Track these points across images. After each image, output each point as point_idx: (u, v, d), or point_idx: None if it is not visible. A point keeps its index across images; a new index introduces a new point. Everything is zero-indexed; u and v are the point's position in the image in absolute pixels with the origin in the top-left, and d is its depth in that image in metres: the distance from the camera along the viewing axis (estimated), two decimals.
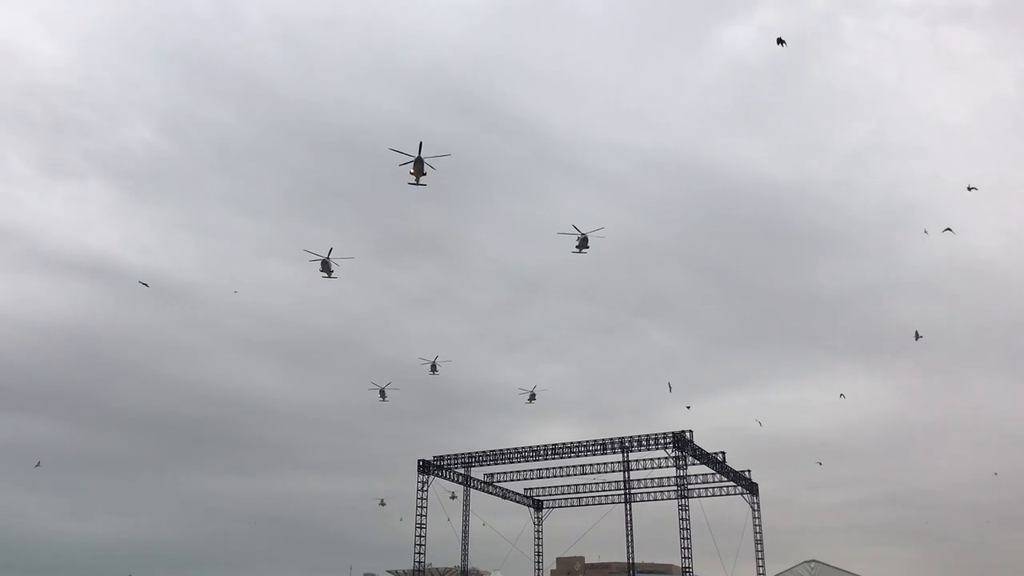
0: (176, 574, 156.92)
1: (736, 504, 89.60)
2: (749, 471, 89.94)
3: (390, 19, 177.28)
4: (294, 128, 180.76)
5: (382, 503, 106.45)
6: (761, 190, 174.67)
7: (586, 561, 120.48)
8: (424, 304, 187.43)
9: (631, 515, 79.45)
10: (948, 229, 70.10)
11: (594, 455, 79.87)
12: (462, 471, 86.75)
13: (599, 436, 77.59)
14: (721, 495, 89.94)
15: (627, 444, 75.64)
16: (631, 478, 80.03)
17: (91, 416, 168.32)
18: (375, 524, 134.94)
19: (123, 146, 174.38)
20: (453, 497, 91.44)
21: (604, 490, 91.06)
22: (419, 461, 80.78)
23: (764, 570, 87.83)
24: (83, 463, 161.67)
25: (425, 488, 79.19)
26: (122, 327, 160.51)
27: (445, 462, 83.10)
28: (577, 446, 78.58)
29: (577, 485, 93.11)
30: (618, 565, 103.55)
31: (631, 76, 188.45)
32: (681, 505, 70.87)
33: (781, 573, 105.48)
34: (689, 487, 74.73)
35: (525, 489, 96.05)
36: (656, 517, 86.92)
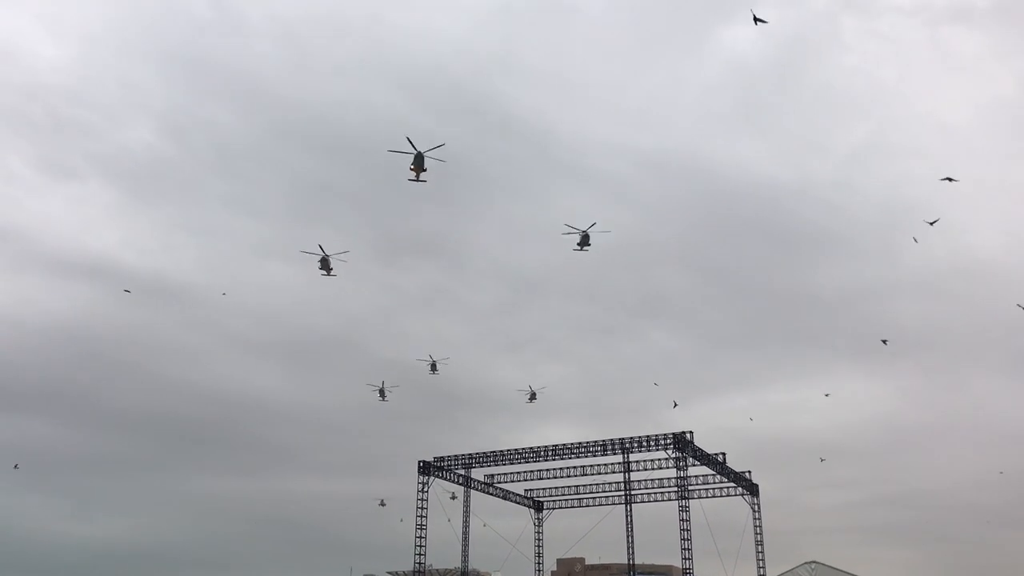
0: (176, 575, 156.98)
1: (736, 505, 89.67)
2: (749, 472, 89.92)
3: (390, 20, 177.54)
4: (294, 129, 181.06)
5: (382, 503, 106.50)
6: (761, 190, 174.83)
7: (586, 562, 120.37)
8: (424, 305, 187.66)
9: (631, 516, 79.56)
10: (935, 221, 69.23)
11: (594, 456, 79.84)
12: (462, 472, 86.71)
13: (599, 437, 77.74)
14: (721, 496, 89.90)
15: (627, 445, 75.59)
16: (631, 479, 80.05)
17: (91, 417, 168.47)
18: (375, 525, 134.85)
19: (123, 147, 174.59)
20: (453, 498, 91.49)
21: (604, 491, 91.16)
22: (419, 462, 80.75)
23: (764, 571, 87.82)
24: (83, 464, 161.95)
25: (425, 489, 79.17)
26: (122, 328, 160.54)
27: (445, 463, 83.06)
28: (577, 447, 78.55)
29: (578, 486, 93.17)
30: (619, 566, 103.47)
31: (631, 76, 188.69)
32: (681, 506, 70.83)
33: (782, 574, 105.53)
34: (689, 488, 74.67)
35: (525, 490, 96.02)
36: (656, 518, 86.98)
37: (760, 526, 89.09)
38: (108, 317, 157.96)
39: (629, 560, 77.40)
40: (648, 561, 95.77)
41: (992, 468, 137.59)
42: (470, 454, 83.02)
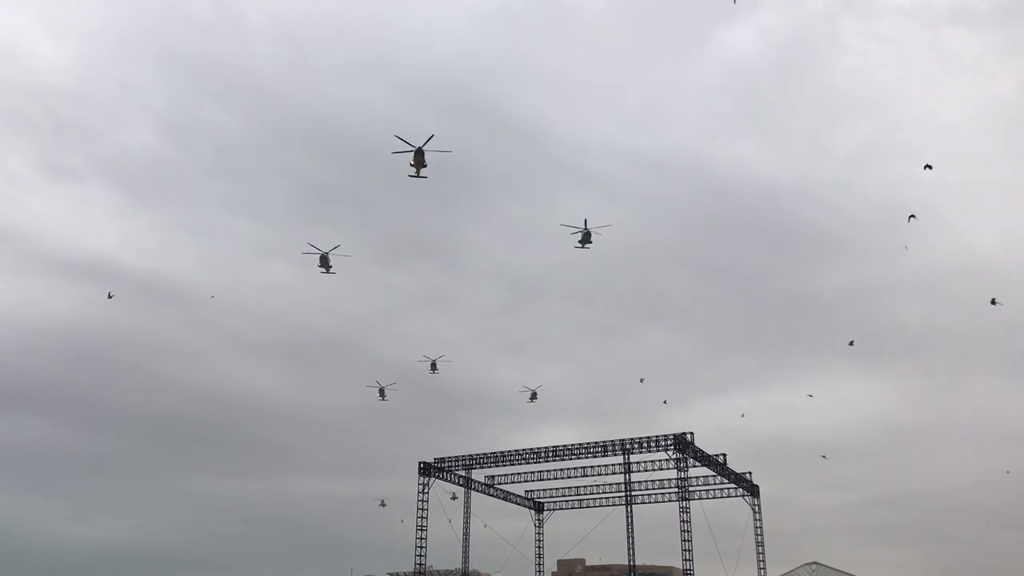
0: (176, 575, 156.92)
1: (737, 506, 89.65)
2: (750, 473, 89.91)
3: (390, 20, 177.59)
4: (294, 129, 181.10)
5: (382, 504, 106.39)
6: (761, 191, 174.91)
7: (587, 563, 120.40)
8: (424, 305, 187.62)
9: (632, 517, 79.60)
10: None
11: (595, 457, 79.87)
12: (463, 473, 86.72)
13: (600, 438, 77.78)
14: (722, 497, 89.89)
15: (628, 446, 75.60)
16: (632, 480, 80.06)
17: (91, 417, 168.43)
18: (375, 526, 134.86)
19: (123, 147, 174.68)
20: (454, 498, 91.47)
21: (605, 492, 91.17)
22: (420, 463, 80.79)
23: (765, 572, 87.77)
24: (83, 464, 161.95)
25: (426, 490, 79.18)
26: (122, 328, 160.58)
27: (446, 464, 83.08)
28: (578, 448, 78.57)
29: (578, 487, 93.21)
30: (619, 567, 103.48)
31: (631, 77, 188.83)
32: (682, 507, 70.85)
33: (782, 575, 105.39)
34: (690, 489, 74.65)
35: (526, 491, 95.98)
36: (657, 519, 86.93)
37: (761, 527, 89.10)
38: (108, 318, 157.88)
39: (630, 561, 77.42)
40: (649, 562, 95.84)
41: (992, 468, 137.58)
42: (470, 455, 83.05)
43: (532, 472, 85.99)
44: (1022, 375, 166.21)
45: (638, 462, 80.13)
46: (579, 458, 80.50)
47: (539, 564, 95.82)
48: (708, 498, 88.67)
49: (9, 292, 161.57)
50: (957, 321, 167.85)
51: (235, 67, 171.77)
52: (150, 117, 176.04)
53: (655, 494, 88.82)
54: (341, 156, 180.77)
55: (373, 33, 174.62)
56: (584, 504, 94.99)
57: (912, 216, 71.19)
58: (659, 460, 78.98)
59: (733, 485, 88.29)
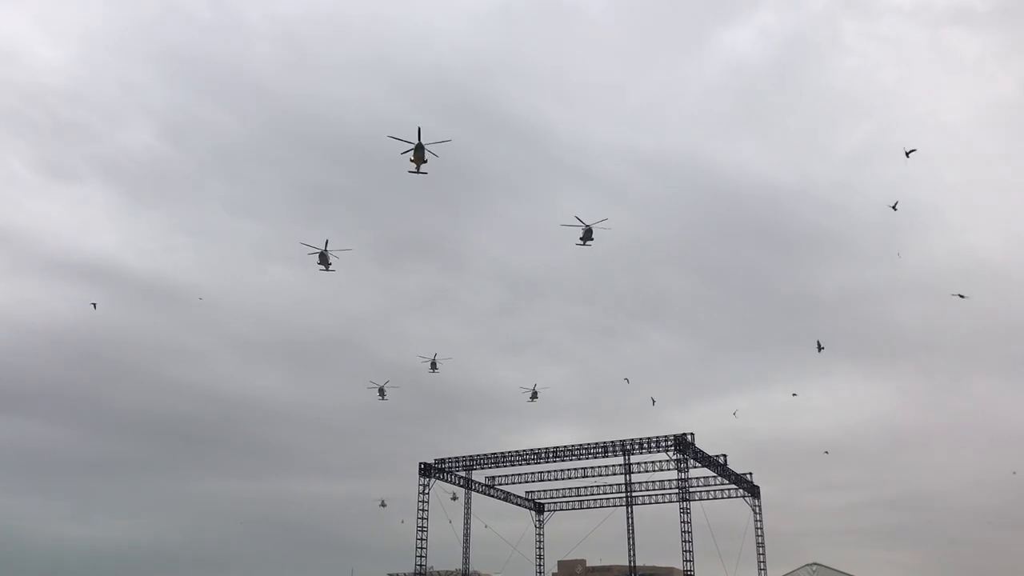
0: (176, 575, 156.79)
1: (738, 507, 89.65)
2: (751, 474, 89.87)
3: (390, 21, 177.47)
4: (294, 130, 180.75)
5: (383, 504, 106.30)
6: (761, 191, 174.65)
7: (587, 564, 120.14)
8: (424, 306, 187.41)
9: (632, 518, 79.58)
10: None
11: (595, 458, 79.84)
12: (463, 474, 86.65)
13: (600, 439, 77.77)
14: (723, 498, 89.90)
15: (628, 447, 75.58)
16: (632, 481, 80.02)
17: (91, 418, 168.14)
18: (376, 526, 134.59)
19: (123, 148, 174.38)
20: (455, 498, 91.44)
21: (606, 493, 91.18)
22: (420, 464, 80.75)
23: (766, 573, 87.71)
24: (83, 465, 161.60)
25: (426, 491, 79.12)
26: (122, 329, 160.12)
27: (446, 465, 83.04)
28: (578, 449, 78.56)
29: (578, 488, 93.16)
30: (620, 568, 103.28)
31: (631, 77, 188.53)
32: (682, 508, 70.83)
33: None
34: (690, 490, 74.60)
35: (526, 492, 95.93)
36: (657, 520, 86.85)
37: (761, 528, 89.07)
38: (108, 318, 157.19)
39: (630, 562, 77.39)
40: (649, 563, 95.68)
41: (993, 469, 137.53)
42: (471, 456, 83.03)
43: (532, 473, 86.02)
44: (1022, 376, 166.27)
45: (639, 463, 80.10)
46: (580, 459, 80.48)
47: (539, 565, 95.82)
48: (709, 499, 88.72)
49: (9, 292, 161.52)
50: (957, 322, 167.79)
51: (235, 67, 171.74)
52: (150, 117, 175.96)
53: (656, 495, 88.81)
54: (341, 156, 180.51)
55: (373, 33, 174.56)
56: (585, 505, 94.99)
57: (896, 206, 70.33)
58: (660, 461, 78.95)
59: (734, 486, 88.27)
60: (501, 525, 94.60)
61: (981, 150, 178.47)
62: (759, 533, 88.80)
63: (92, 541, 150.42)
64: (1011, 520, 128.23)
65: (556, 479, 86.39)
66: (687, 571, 69.61)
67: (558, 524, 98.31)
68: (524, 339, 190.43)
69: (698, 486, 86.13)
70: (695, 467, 78.61)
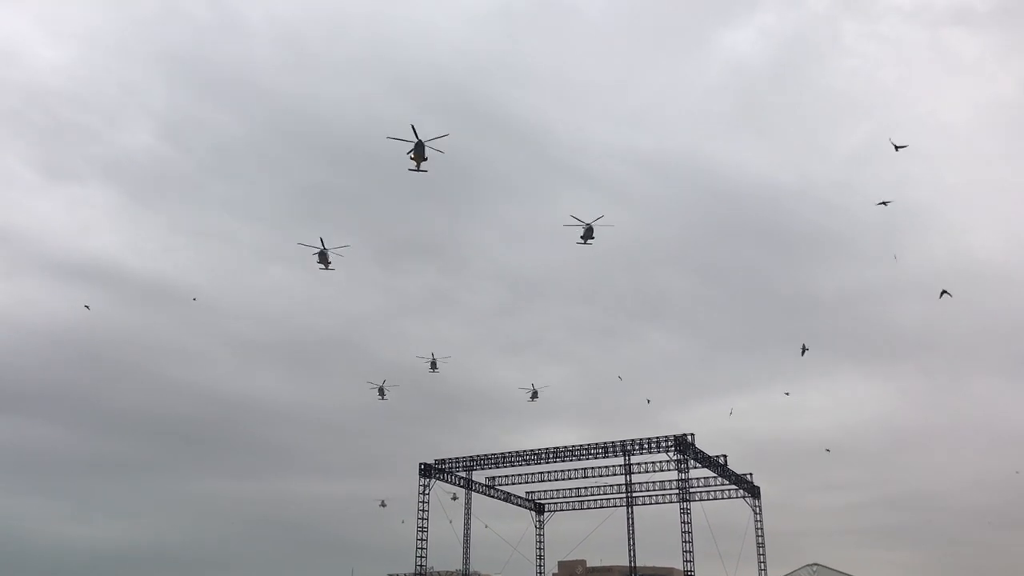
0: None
1: (738, 507, 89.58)
2: (751, 474, 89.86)
3: (390, 21, 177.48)
4: (294, 130, 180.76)
5: (383, 504, 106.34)
6: (761, 191, 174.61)
7: (588, 565, 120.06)
8: (424, 307, 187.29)
9: (633, 518, 79.52)
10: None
11: (596, 458, 79.77)
12: (463, 474, 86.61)
13: (600, 439, 77.71)
14: (723, 498, 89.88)
15: (629, 447, 75.55)
16: (633, 481, 79.99)
17: (91, 418, 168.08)
18: (376, 527, 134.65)
19: (123, 149, 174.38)
20: (455, 498, 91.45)
21: (606, 493, 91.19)
22: (420, 464, 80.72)
23: (766, 573, 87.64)
24: (83, 465, 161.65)
25: (426, 492, 79.10)
26: (122, 329, 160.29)
27: (446, 465, 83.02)
28: (578, 449, 78.52)
29: (579, 488, 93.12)
30: (620, 568, 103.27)
31: (631, 78, 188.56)
32: (683, 508, 70.77)
33: None
34: (691, 490, 74.56)
35: (527, 492, 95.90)
36: (658, 520, 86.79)
37: (761, 528, 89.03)
38: (108, 319, 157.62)
39: (630, 562, 77.34)
40: (649, 563, 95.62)
41: (993, 469, 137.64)
42: (471, 456, 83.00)
43: (533, 473, 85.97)
44: (1022, 376, 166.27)
45: (639, 463, 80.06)
46: (580, 459, 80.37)
47: (540, 565, 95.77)
48: (709, 499, 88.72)
49: (9, 292, 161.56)
50: (958, 322, 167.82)
51: (235, 67, 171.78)
52: (150, 118, 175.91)
53: (656, 495, 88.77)
54: (341, 156, 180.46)
55: (373, 33, 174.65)
56: (585, 505, 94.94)
57: (886, 203, 70.13)
58: (660, 461, 78.90)
59: (734, 486, 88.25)
60: (501, 525, 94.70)
61: (981, 150, 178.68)
62: (759, 533, 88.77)
63: (92, 541, 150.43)
64: (1011, 520, 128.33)
65: (556, 479, 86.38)
66: (687, 571, 69.55)
67: (558, 524, 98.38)
68: (524, 339, 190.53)
69: (698, 486, 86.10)
70: (695, 467, 78.58)
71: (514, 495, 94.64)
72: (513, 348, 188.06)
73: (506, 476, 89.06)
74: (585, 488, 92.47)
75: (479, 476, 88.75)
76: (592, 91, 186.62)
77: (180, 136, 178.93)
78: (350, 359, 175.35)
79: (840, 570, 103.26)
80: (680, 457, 73.29)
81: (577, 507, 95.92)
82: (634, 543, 78.21)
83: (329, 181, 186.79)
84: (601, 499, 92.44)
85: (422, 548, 76.56)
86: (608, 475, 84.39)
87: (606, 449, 76.87)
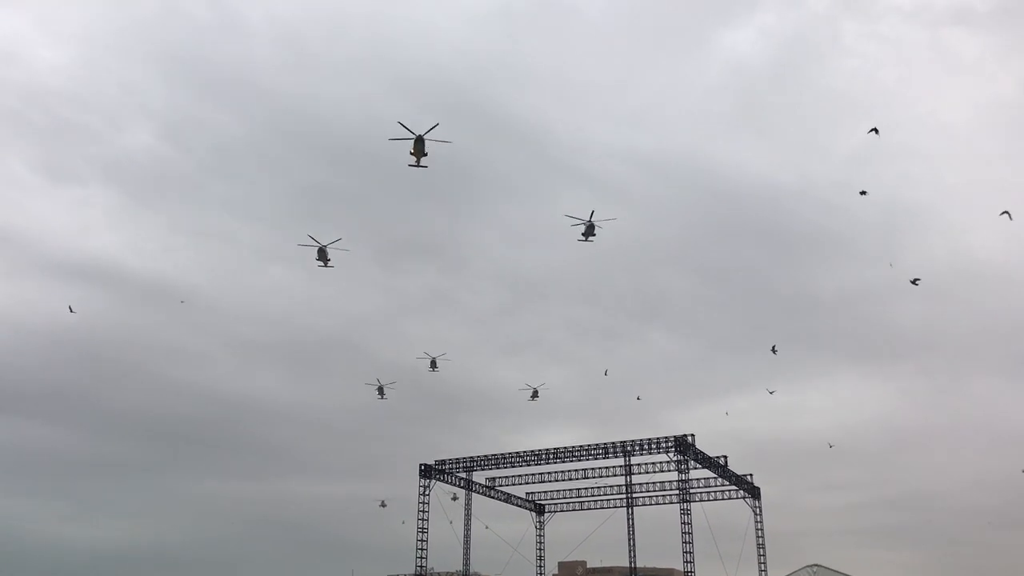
0: None
1: (738, 508, 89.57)
2: (751, 475, 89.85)
3: (390, 21, 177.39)
4: (294, 130, 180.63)
5: (383, 504, 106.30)
6: (761, 191, 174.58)
7: (588, 565, 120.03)
8: (425, 307, 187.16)
9: (633, 519, 79.61)
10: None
11: (596, 459, 79.74)
12: (464, 475, 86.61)
13: (600, 440, 77.73)
14: (723, 499, 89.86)
15: (629, 448, 75.55)
16: (633, 482, 79.99)
17: (91, 419, 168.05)
18: (376, 527, 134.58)
19: (123, 149, 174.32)
20: (455, 499, 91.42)
21: (606, 494, 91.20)
22: (420, 465, 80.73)
23: (766, 574, 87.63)
24: (83, 466, 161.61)
25: (427, 492, 79.10)
26: (122, 330, 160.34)
27: (446, 466, 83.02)
28: (579, 450, 78.51)
29: (579, 489, 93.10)
30: (620, 569, 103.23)
31: (631, 78, 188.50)
32: (683, 509, 70.81)
33: None
34: (691, 491, 74.55)
35: (527, 493, 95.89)
36: (658, 521, 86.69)
37: (762, 529, 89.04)
38: (109, 319, 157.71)
39: (631, 563, 77.37)
40: (650, 564, 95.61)
41: (993, 469, 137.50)
42: (471, 457, 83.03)
43: (533, 474, 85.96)
44: (1022, 376, 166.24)
45: (639, 464, 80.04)
46: (580, 460, 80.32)
47: (540, 566, 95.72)
48: (709, 500, 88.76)
49: (9, 293, 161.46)
50: (958, 322, 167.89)
51: (235, 67, 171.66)
52: (149, 118, 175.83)
53: (656, 496, 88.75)
54: (341, 156, 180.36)
55: (373, 33, 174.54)
56: (585, 506, 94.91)
57: (864, 192, 70.20)
58: (660, 462, 78.90)
59: (734, 487, 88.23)
60: (501, 526, 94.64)
61: (981, 150, 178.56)
62: (759, 534, 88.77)
63: (92, 541, 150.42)
64: (1011, 520, 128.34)
65: (556, 480, 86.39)
66: (688, 572, 69.55)
67: (558, 525, 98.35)
68: (524, 340, 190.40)
69: (698, 487, 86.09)
70: (696, 468, 78.53)
71: (514, 496, 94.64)
72: (513, 348, 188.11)
73: (506, 477, 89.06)
74: (585, 489, 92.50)
75: (479, 477, 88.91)
76: (592, 91, 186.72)
77: (180, 136, 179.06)
78: (350, 359, 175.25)
79: (840, 571, 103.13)
80: (680, 458, 73.30)
81: (577, 508, 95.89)
82: (634, 544, 78.31)
83: (329, 181, 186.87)
84: (601, 500, 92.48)
85: (422, 549, 76.59)
86: (608, 476, 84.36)
87: (606, 450, 76.87)
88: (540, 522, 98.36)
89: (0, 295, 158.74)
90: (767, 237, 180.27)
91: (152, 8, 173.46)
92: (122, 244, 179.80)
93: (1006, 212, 66.99)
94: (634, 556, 77.52)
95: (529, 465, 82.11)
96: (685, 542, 69.78)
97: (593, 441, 78.02)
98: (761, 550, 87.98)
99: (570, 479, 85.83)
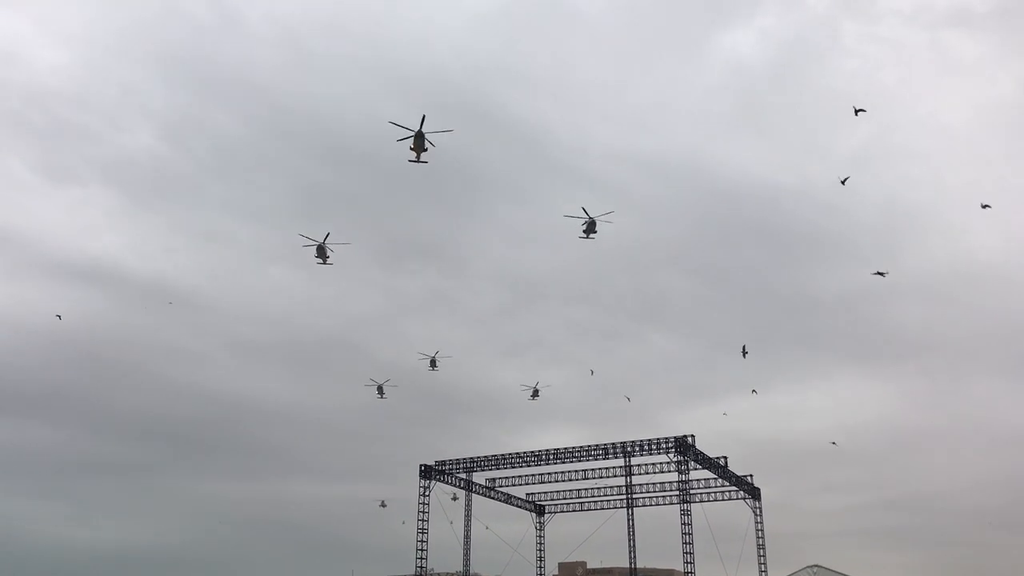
0: None
1: (738, 509, 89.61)
2: (751, 476, 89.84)
3: (390, 22, 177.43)
4: (294, 131, 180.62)
5: (383, 504, 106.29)
6: (761, 192, 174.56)
7: (588, 566, 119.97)
8: (424, 307, 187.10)
9: (633, 520, 79.58)
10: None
11: (596, 460, 79.72)
12: (464, 476, 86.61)
13: (600, 441, 77.74)
14: (723, 500, 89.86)
15: (629, 449, 75.55)
16: (633, 483, 79.97)
17: (91, 419, 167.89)
18: (376, 528, 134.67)
19: (123, 150, 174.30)
20: (455, 499, 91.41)
21: (606, 495, 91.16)
22: (421, 466, 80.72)
23: (766, 575, 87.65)
24: (83, 466, 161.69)
25: (427, 493, 79.08)
26: (122, 330, 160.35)
27: (447, 467, 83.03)
28: (579, 451, 78.51)
29: (579, 490, 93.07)
30: (620, 570, 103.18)
31: (631, 79, 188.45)
32: (683, 510, 70.82)
33: None
34: (691, 492, 74.56)
35: (527, 494, 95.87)
36: (658, 522, 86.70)
37: (762, 530, 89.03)
38: (109, 321, 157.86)
39: (631, 564, 77.34)
40: (650, 565, 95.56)
41: (993, 470, 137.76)
42: (471, 458, 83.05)
43: (533, 475, 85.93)
44: (1022, 377, 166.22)
45: (639, 465, 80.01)
46: (580, 461, 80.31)
47: (540, 567, 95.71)
48: (709, 501, 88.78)
49: (9, 294, 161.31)
50: (958, 323, 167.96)
51: (234, 67, 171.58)
52: (149, 119, 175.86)
53: (656, 497, 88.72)
54: (341, 157, 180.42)
55: (373, 33, 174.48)
56: (585, 507, 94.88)
57: (845, 179, 69.95)
58: (660, 463, 78.90)
59: (734, 488, 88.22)
60: (502, 527, 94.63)
61: (981, 150, 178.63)
62: (760, 535, 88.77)
63: (92, 542, 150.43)
64: (1011, 521, 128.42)
65: (557, 481, 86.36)
66: (688, 573, 69.55)
67: (559, 526, 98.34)
68: (524, 340, 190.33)
69: (699, 488, 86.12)
70: (696, 469, 78.54)
71: (514, 496, 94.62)
72: (513, 349, 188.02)
73: (506, 477, 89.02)
74: (585, 489, 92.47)
75: (479, 477, 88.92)
76: (592, 91, 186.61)
77: (180, 136, 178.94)
78: (350, 359, 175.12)
79: (840, 572, 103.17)
80: (680, 459, 73.29)
81: (577, 508, 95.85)
82: (634, 545, 78.30)
83: (329, 181, 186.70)
84: (601, 500, 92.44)
85: (422, 549, 76.59)
86: (608, 476, 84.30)
87: (606, 451, 76.88)
88: (540, 523, 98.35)
89: (0, 295, 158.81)
90: (767, 237, 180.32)
91: (152, 8, 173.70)
92: (122, 244, 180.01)
93: (987, 205, 66.85)
94: (634, 557, 77.54)
95: (529, 466, 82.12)
96: (685, 543, 69.80)
97: (593, 442, 78.21)
98: (761, 551, 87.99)
99: (570, 480, 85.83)
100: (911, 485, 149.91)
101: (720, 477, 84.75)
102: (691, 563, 69.54)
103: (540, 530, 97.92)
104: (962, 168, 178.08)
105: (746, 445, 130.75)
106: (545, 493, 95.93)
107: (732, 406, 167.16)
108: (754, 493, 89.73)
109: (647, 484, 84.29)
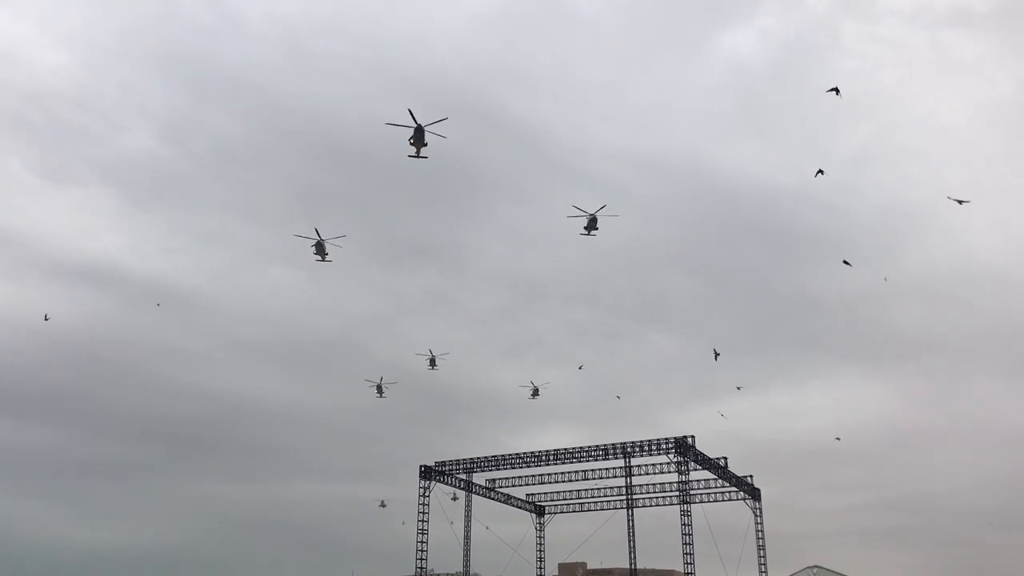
0: None
1: (738, 509, 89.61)
2: (751, 476, 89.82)
3: (391, 23, 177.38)
4: (294, 131, 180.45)
5: (382, 504, 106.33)
6: (761, 192, 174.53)
7: (588, 567, 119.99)
8: (424, 307, 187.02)
9: (633, 520, 79.55)
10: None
11: (596, 460, 79.67)
12: (464, 476, 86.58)
13: (600, 441, 77.68)
14: (723, 500, 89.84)
15: (629, 449, 75.52)
16: (633, 483, 79.94)
17: (91, 420, 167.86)
18: (376, 529, 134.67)
19: (123, 151, 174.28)
20: (455, 499, 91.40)
21: (606, 495, 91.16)
22: (421, 466, 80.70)
23: (767, 575, 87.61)
24: (83, 467, 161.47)
25: (427, 494, 79.06)
26: (122, 331, 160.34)
27: (447, 467, 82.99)
28: (579, 451, 78.48)
29: (579, 490, 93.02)
30: (620, 571, 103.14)
31: (631, 78, 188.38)
32: (683, 510, 70.76)
33: None
34: (691, 492, 74.54)
35: (527, 494, 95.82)
36: (658, 522, 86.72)
37: (762, 530, 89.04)
38: (109, 322, 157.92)
39: (631, 565, 77.32)
40: (650, 565, 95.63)
41: (993, 470, 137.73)
42: (471, 458, 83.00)
43: (533, 475, 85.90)
44: (1022, 377, 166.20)
45: (639, 465, 79.99)
46: (580, 461, 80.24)
47: (540, 567, 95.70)
48: (709, 501, 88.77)
49: (9, 294, 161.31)
50: (958, 324, 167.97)
51: (234, 69, 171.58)
52: (149, 119, 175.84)
53: (656, 497, 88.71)
54: (341, 157, 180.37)
55: (373, 33, 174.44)
56: (585, 507, 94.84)
57: (820, 172, 68.33)
58: (660, 463, 78.88)
59: (734, 488, 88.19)
60: (502, 528, 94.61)
61: (981, 150, 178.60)
62: (760, 535, 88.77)
63: (92, 543, 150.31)
64: (1011, 521, 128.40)
65: (557, 482, 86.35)
66: (688, 573, 69.50)
67: (559, 527, 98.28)
68: (525, 341, 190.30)
69: (699, 488, 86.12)
70: (696, 469, 78.52)
71: (514, 497, 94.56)
72: (513, 349, 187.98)
73: (506, 478, 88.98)
74: (586, 490, 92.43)
75: (479, 478, 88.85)
76: (592, 91, 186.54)
77: (179, 137, 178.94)
78: (350, 359, 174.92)
79: (841, 572, 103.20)
80: (680, 459, 73.26)
81: (577, 509, 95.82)
82: (634, 545, 78.28)
83: (329, 181, 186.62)
84: (601, 501, 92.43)
85: (422, 550, 76.57)
86: (608, 477, 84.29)
87: (606, 451, 76.84)
88: (540, 523, 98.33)
89: (0, 295, 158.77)
90: (767, 237, 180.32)
91: (151, 8, 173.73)
92: (122, 245, 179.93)
93: (966, 201, 66.29)
94: (634, 557, 77.53)
95: (529, 466, 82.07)
96: (685, 543, 69.76)
97: (593, 442, 78.18)
98: (761, 551, 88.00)
99: (570, 480, 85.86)
100: (911, 485, 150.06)
101: (720, 478, 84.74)
102: (691, 564, 69.49)
103: (540, 531, 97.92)
104: (962, 168, 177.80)
105: (746, 445, 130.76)
106: (545, 494, 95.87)
107: (732, 406, 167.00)
108: (754, 494, 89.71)
109: (647, 485, 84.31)
